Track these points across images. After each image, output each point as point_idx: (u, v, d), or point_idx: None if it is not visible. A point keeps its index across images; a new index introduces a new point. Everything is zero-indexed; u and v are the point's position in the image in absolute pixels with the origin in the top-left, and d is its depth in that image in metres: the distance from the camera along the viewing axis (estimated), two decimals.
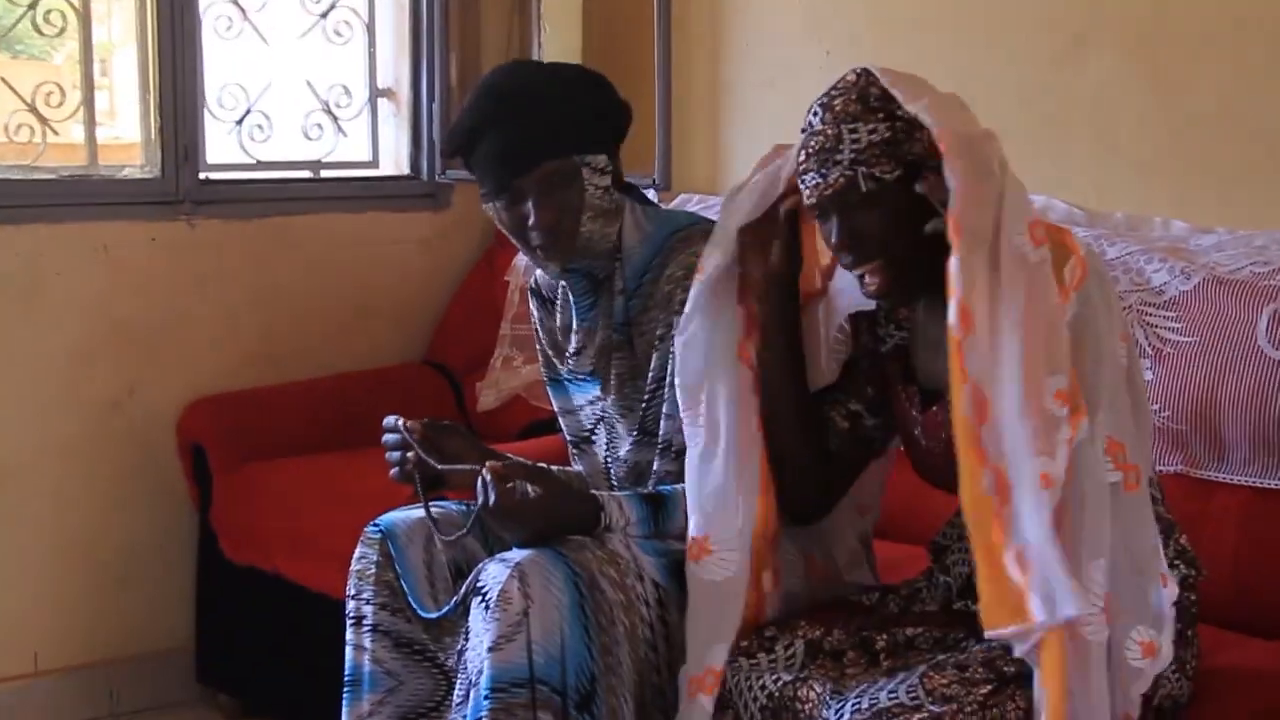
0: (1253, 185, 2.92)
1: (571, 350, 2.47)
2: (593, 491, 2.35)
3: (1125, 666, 1.93)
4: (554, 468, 2.56)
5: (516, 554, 2.20)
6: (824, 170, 2.03)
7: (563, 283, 2.44)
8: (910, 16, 3.50)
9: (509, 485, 2.21)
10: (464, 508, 2.47)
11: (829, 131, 2.03)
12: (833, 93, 2.07)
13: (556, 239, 2.33)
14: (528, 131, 2.29)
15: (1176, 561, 2.08)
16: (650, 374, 2.38)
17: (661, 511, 2.32)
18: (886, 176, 2.02)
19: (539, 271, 2.56)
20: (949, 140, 1.95)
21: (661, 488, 2.36)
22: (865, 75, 2.06)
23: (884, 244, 2.05)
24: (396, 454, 2.37)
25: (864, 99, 2.03)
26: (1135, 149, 3.07)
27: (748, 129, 3.90)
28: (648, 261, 2.38)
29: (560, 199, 2.31)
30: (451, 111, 4.13)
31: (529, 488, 2.22)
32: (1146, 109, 3.07)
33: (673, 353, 2.27)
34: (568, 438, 2.61)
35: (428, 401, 3.95)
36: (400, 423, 2.37)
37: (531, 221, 2.31)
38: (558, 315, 2.53)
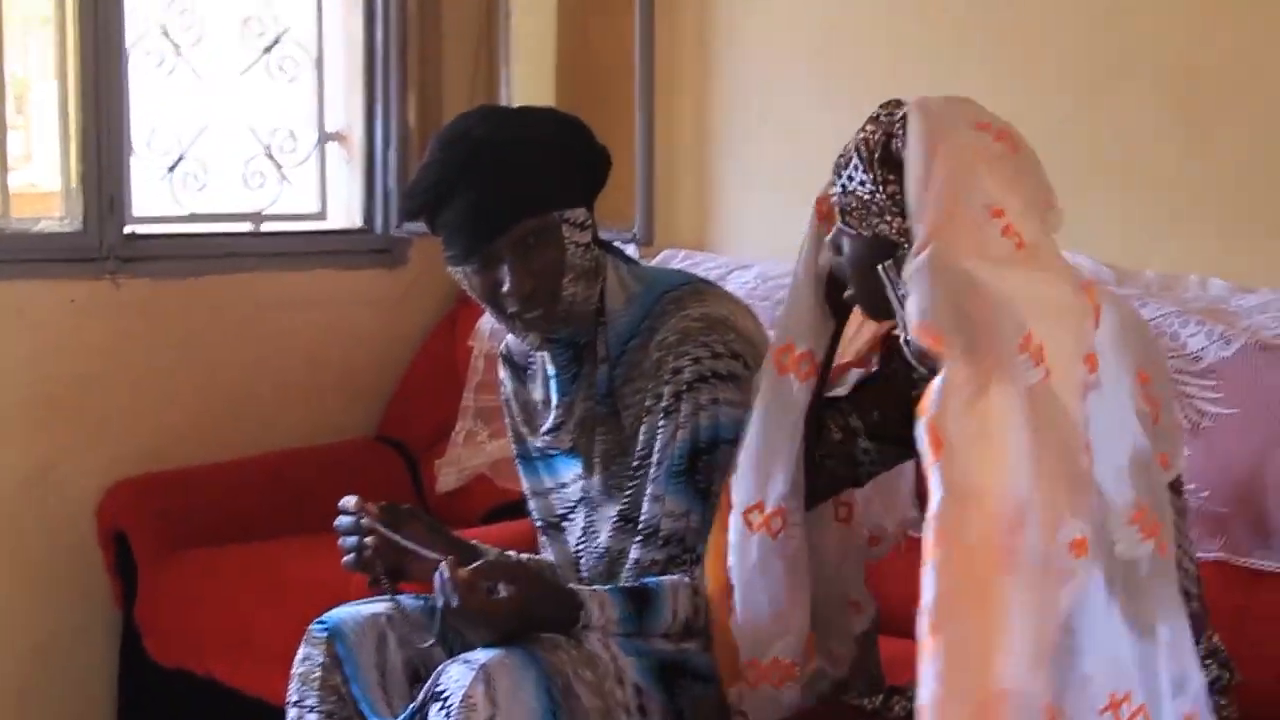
0: None
1: (549, 426, 2.47)
2: (571, 586, 2.35)
3: None
4: (524, 556, 2.57)
5: (482, 654, 2.19)
6: (834, 175, 2.10)
7: (541, 352, 2.46)
8: (918, 49, 3.54)
9: (473, 585, 2.21)
10: (425, 603, 2.46)
11: (847, 146, 2.09)
12: (878, 112, 2.10)
13: (537, 306, 2.33)
14: (503, 188, 2.29)
15: (1208, 661, 2.08)
16: (636, 451, 2.38)
17: (647, 609, 2.31)
18: (856, 231, 2.07)
19: (509, 337, 2.57)
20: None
21: (647, 580, 2.36)
22: (908, 115, 2.07)
23: (854, 280, 2.10)
24: (352, 539, 2.37)
25: (887, 141, 2.05)
26: (1169, 199, 3.10)
27: (739, 175, 3.93)
28: (635, 325, 2.39)
29: (540, 261, 2.32)
30: (410, 158, 4.16)
31: (500, 586, 2.22)
32: (1181, 155, 3.10)
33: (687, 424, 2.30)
34: (536, 521, 2.61)
35: (381, 481, 3.95)
36: (358, 504, 2.38)
37: (508, 288, 2.31)
38: (534, 387, 2.55)
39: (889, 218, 2.02)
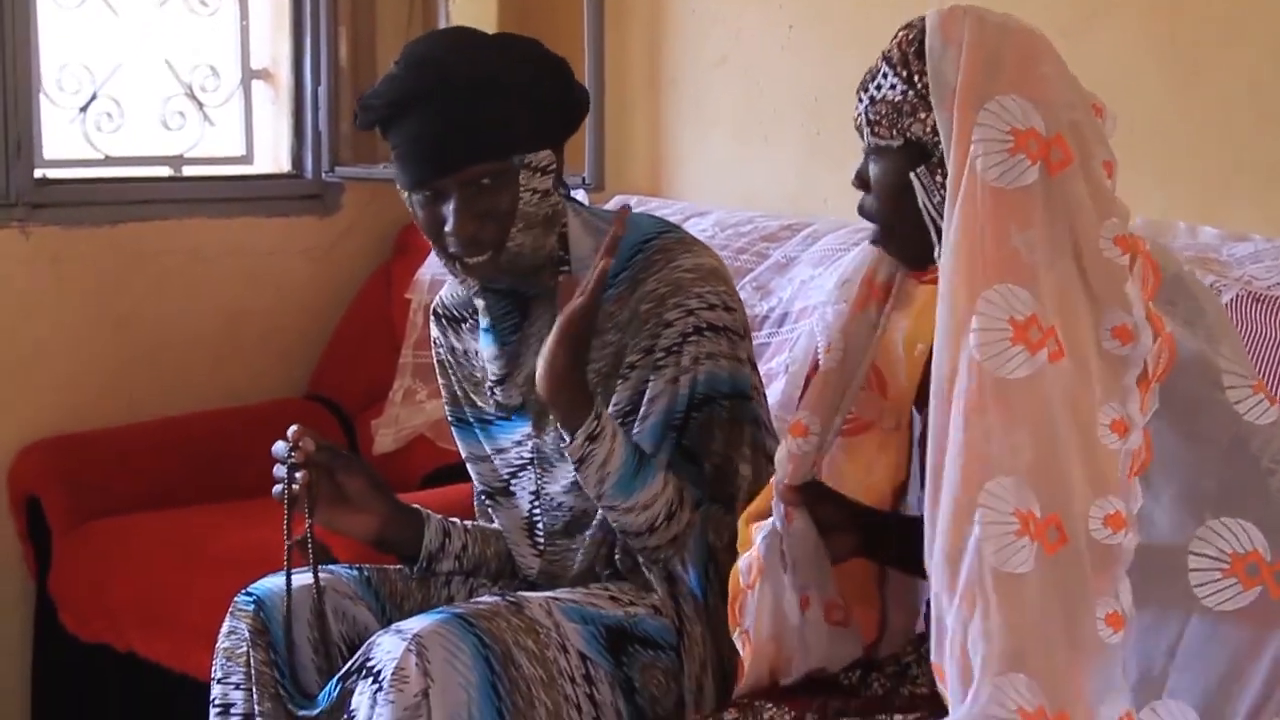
0: None
1: (492, 380, 2.43)
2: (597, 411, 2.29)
3: None
4: (467, 524, 2.54)
5: (415, 623, 2.16)
6: (857, 97, 2.03)
7: (479, 300, 2.41)
8: None
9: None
10: (355, 573, 2.43)
11: (875, 64, 2.02)
12: (913, 21, 2.04)
13: (481, 251, 2.29)
14: (463, 123, 2.24)
15: None
16: (612, 406, 2.35)
17: (641, 468, 2.28)
18: (886, 143, 2.00)
19: (444, 289, 2.54)
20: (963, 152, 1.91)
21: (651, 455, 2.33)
22: (952, 15, 1.98)
23: (884, 209, 2.03)
24: (282, 470, 2.32)
25: (921, 39, 1.97)
26: (1157, 144, 3.08)
27: (695, 118, 3.89)
28: (610, 275, 2.34)
29: (489, 205, 2.28)
30: (342, 97, 4.12)
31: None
32: (1169, 98, 3.07)
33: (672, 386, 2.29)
34: (479, 488, 2.57)
35: None
36: (297, 433, 2.31)
37: (449, 228, 2.27)
38: (474, 337, 2.49)
39: (922, 114, 1.95)
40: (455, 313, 2.53)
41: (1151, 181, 3.07)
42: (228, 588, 2.43)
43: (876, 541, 2.22)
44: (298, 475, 2.30)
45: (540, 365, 2.24)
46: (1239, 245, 2.84)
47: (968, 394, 1.83)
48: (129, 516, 3.60)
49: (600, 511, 2.37)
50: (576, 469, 2.27)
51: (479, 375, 2.50)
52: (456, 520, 2.53)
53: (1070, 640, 1.80)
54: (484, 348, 2.44)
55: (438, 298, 2.57)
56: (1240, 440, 1.91)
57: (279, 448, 2.32)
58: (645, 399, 2.33)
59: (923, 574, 1.92)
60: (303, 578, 2.37)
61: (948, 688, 1.84)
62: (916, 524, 1.92)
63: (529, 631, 2.20)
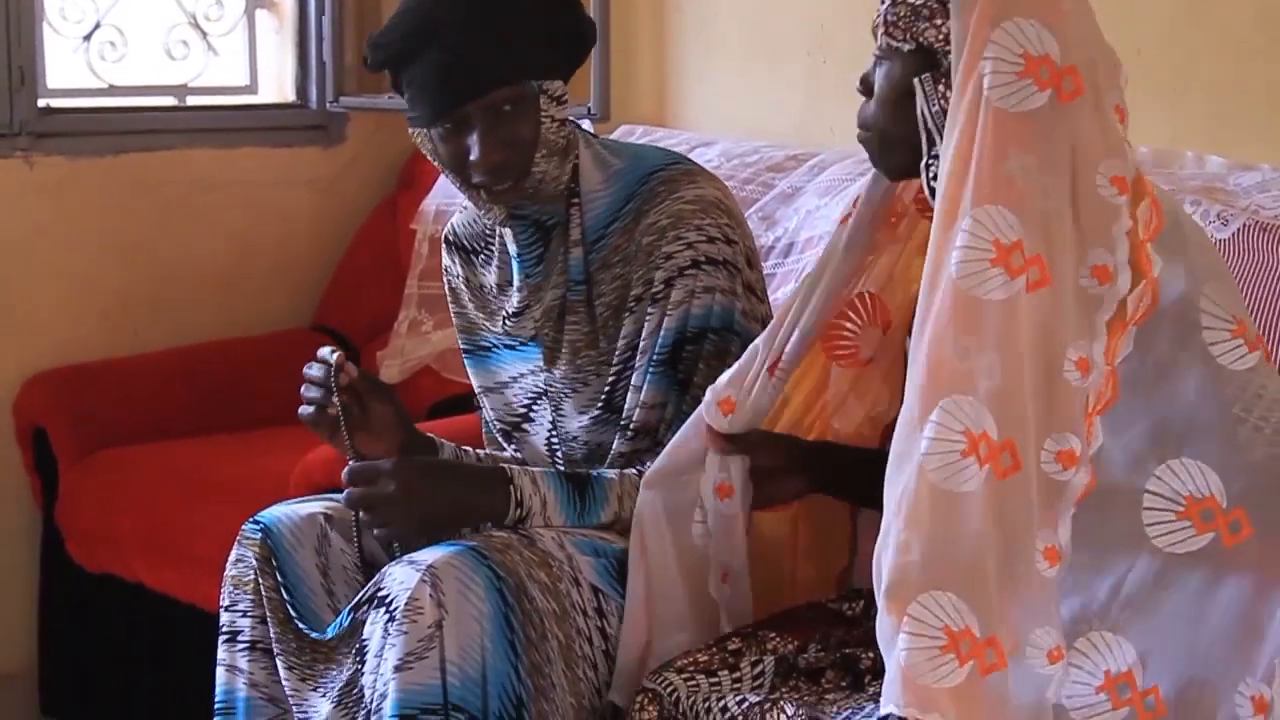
0: None
1: (512, 310, 2.43)
2: (502, 465, 2.32)
3: None
4: (479, 452, 2.54)
5: (428, 554, 2.16)
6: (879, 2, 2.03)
7: (502, 230, 2.40)
8: None
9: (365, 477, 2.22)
10: None
11: None
12: None
13: (506, 178, 2.28)
14: (482, 48, 2.23)
15: None
16: (621, 339, 2.35)
17: (588, 494, 2.30)
18: (897, 45, 2.00)
19: (456, 217, 2.53)
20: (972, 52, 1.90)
21: (593, 470, 2.35)
22: None
23: (882, 114, 2.02)
24: (316, 392, 2.32)
25: None
26: (1163, 71, 3.06)
27: (700, 45, 3.87)
28: (616, 208, 2.35)
29: (512, 132, 2.26)
30: (346, 26, 4.10)
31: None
32: (1176, 23, 3.05)
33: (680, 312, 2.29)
34: (496, 424, 2.57)
35: None
36: (339, 359, 2.31)
37: (475, 156, 2.26)
38: (488, 270, 2.49)
39: (939, 20, 1.95)
40: (468, 244, 2.52)
41: (1159, 109, 3.06)
42: (234, 517, 2.43)
43: (838, 477, 2.25)
44: (335, 400, 2.30)
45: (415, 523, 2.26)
46: (1246, 174, 2.83)
47: (938, 311, 1.82)
48: (135, 447, 3.61)
49: (616, 446, 2.38)
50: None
51: (492, 305, 2.50)
52: (469, 449, 2.53)
53: (1007, 567, 1.79)
54: (508, 276, 2.43)
55: (449, 226, 2.56)
56: (1212, 384, 1.89)
57: (315, 370, 2.32)
58: (644, 333, 2.33)
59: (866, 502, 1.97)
60: (309, 505, 2.38)
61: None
62: (880, 457, 1.91)
63: (542, 564, 2.20)
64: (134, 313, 3.91)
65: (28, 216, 3.74)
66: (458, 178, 2.32)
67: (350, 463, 2.30)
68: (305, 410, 2.34)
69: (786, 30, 3.70)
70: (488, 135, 2.25)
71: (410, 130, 2.34)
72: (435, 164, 2.35)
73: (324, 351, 2.33)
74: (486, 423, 2.60)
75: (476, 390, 2.59)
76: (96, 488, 3.59)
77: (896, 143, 2.02)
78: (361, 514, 2.26)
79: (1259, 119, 2.98)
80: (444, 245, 2.57)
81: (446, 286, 2.59)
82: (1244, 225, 2.64)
